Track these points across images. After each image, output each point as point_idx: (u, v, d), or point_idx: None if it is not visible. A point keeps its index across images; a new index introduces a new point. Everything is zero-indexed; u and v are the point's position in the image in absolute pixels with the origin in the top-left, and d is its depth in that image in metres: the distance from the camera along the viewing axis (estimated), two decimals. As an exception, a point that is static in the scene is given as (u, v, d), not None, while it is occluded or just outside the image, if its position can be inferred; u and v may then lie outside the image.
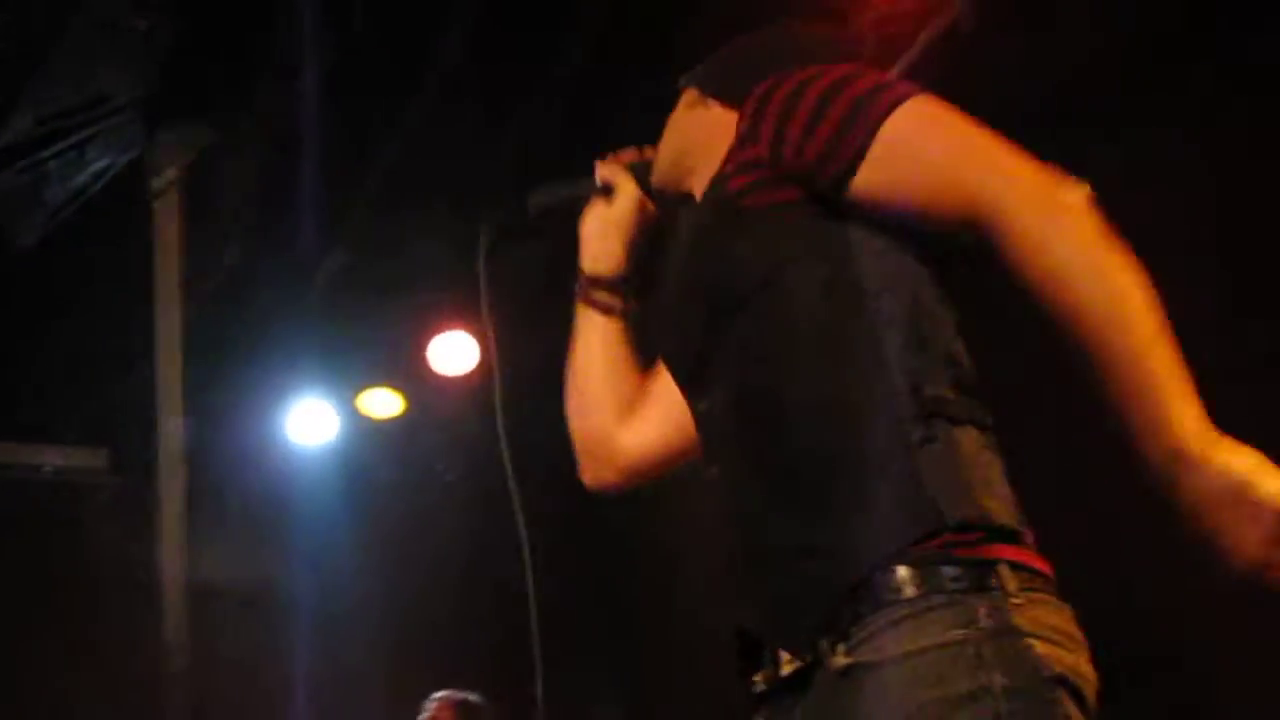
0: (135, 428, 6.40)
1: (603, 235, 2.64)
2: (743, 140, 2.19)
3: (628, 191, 2.62)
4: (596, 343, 2.62)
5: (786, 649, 2.04)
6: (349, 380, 6.72)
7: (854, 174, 2.04)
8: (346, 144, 5.57)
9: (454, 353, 6.59)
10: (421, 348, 6.58)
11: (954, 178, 2.00)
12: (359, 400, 6.73)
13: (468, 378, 6.62)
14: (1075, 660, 1.94)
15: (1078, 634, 1.97)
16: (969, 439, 2.03)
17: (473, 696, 5.73)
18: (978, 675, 1.86)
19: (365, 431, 6.81)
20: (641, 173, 2.63)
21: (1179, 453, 1.82)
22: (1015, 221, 1.93)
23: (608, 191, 2.65)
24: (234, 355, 6.51)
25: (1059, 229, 1.93)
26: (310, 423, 6.72)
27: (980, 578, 1.92)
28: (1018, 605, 1.92)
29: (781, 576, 2.05)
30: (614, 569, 6.98)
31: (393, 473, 7.05)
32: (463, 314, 6.57)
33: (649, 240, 2.65)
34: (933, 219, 2.04)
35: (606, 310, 2.61)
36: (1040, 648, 1.89)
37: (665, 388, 2.51)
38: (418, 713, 5.75)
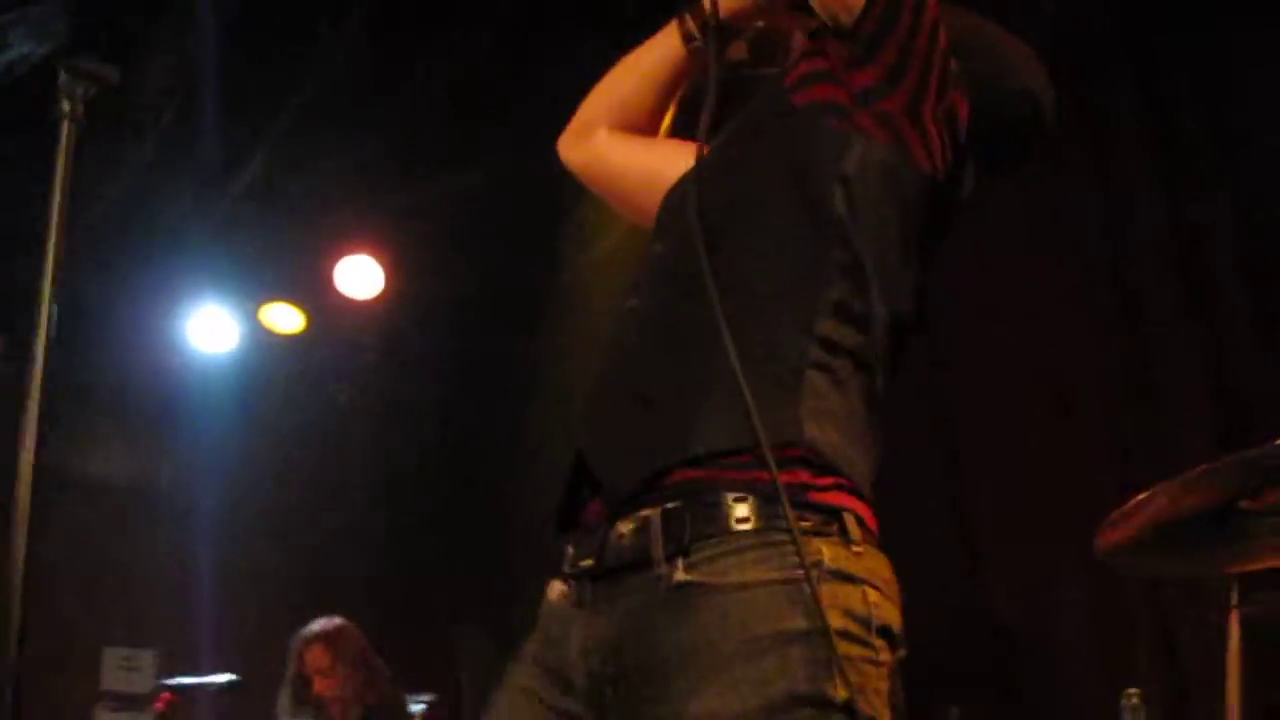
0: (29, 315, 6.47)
1: None
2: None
3: None
4: (657, 55, 2.66)
5: (614, 483, 2.09)
6: (253, 292, 6.80)
7: None
8: (267, 56, 5.64)
9: (359, 276, 6.69)
10: (328, 268, 6.66)
11: None
12: (261, 312, 6.80)
13: (370, 302, 6.74)
14: (895, 612, 2.06)
15: (897, 586, 2.08)
16: (863, 389, 2.14)
17: (334, 621, 5.83)
18: (814, 615, 1.93)
19: (265, 344, 6.89)
20: None
21: None
22: None
23: None
24: (142, 257, 6.58)
25: None
26: (211, 330, 6.79)
27: (826, 522, 2.01)
28: (858, 553, 2.02)
29: (642, 419, 2.13)
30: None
31: (288, 386, 7.11)
32: (371, 238, 6.69)
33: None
34: None
35: (688, 38, 2.60)
36: (873, 596, 2.01)
37: (662, 154, 2.62)
38: (287, 636, 5.90)
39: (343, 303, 6.70)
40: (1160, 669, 4.76)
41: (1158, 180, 5.37)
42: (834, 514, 2.03)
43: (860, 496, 2.08)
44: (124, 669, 7.11)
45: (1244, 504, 2.95)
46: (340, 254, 6.65)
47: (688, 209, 2.21)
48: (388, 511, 7.34)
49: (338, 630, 5.78)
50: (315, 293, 6.73)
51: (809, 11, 2.33)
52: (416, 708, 5.80)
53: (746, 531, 1.99)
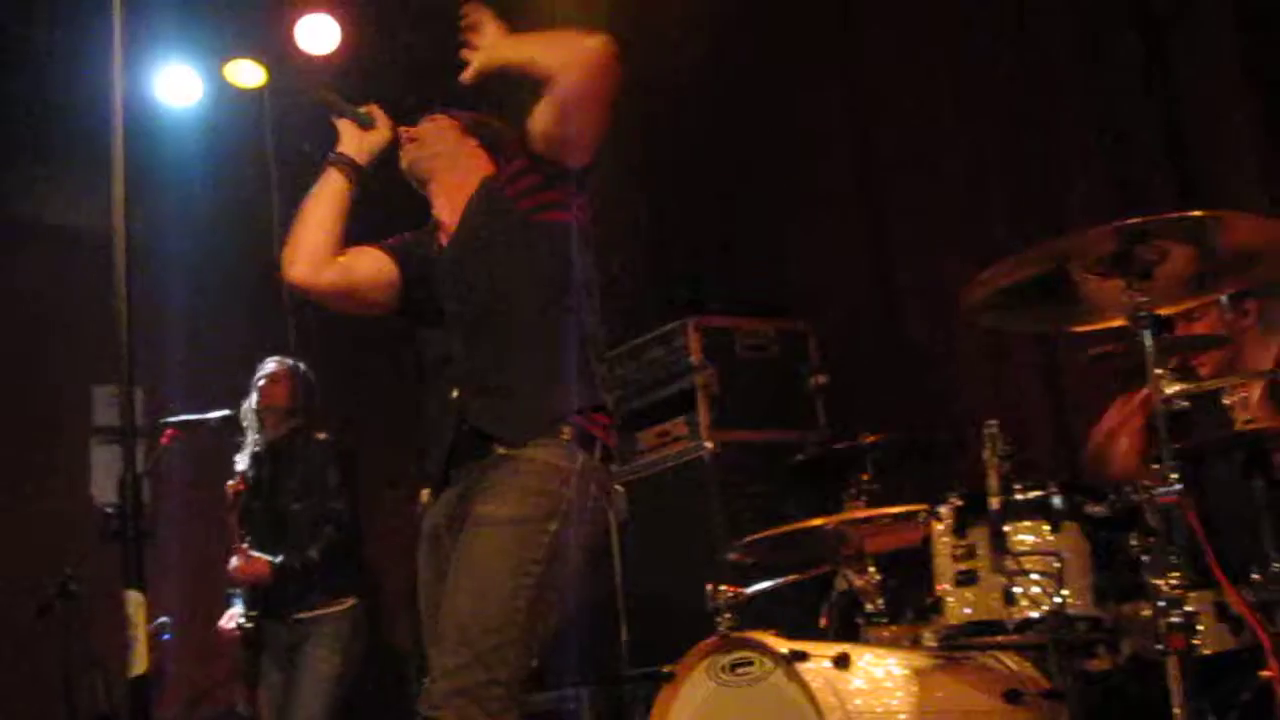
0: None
1: (359, 141, 4.06)
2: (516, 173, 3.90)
3: (385, 131, 4.09)
4: (332, 196, 4.01)
5: (504, 438, 3.66)
6: (216, 48, 6.77)
7: None
8: None
9: (317, 32, 6.75)
10: (289, 24, 6.69)
11: None
12: (225, 69, 6.83)
13: (329, 57, 6.82)
14: (607, 510, 3.71)
15: (611, 487, 3.74)
16: (595, 363, 3.80)
17: (301, 364, 6.79)
18: (561, 488, 3.56)
19: (229, 99, 6.97)
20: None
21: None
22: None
23: (369, 124, 4.07)
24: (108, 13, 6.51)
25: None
26: (177, 85, 6.86)
27: (589, 442, 3.66)
28: (597, 466, 3.65)
29: (506, 403, 3.70)
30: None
31: (251, 140, 7.21)
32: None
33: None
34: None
35: (349, 178, 4.02)
36: (593, 489, 3.62)
37: (361, 264, 4.02)
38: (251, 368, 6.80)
39: (302, 58, 6.78)
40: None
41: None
42: (594, 439, 3.68)
43: (607, 427, 3.74)
44: (114, 405, 7.70)
45: (1077, 275, 3.70)
46: (300, 10, 6.64)
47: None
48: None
49: (304, 373, 6.78)
50: (275, 49, 6.75)
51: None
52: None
53: (552, 436, 3.62)
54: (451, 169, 4.09)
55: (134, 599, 2.44)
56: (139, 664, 2.41)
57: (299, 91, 3.77)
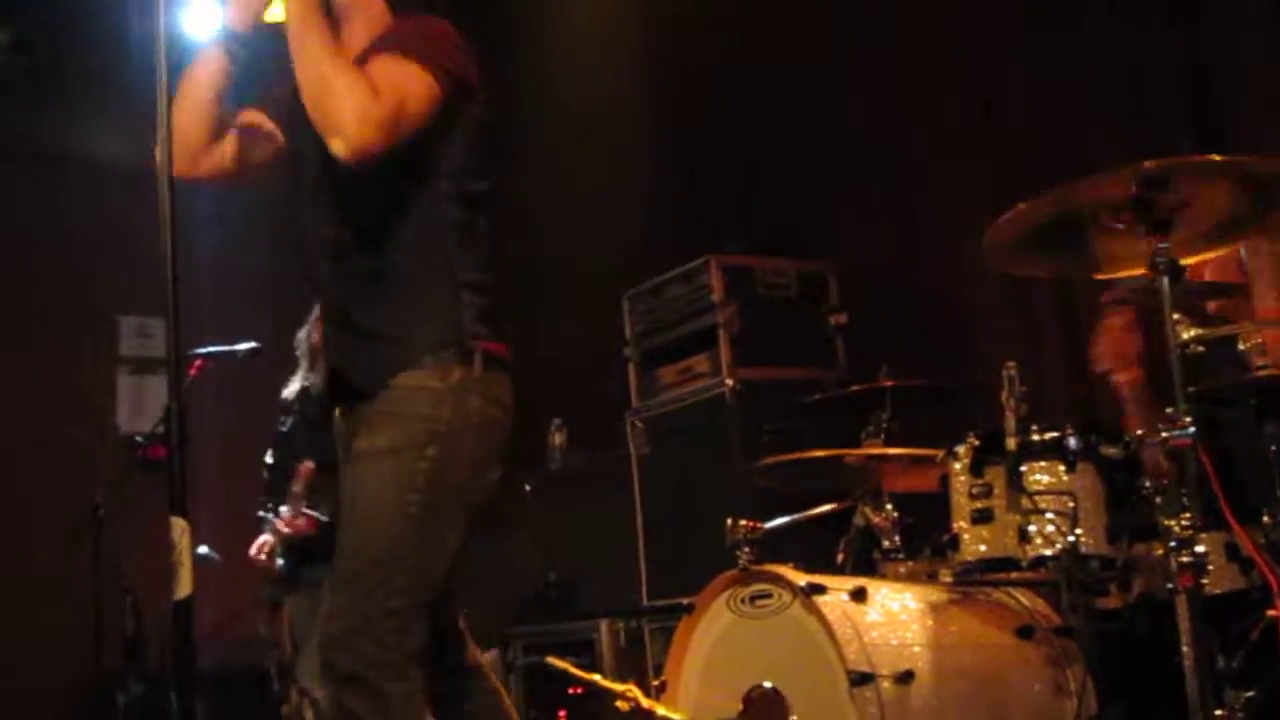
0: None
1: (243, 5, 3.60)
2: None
3: None
4: (201, 77, 3.62)
5: (361, 387, 3.46)
6: None
7: None
8: None
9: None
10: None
11: None
12: None
13: None
14: (500, 415, 3.47)
15: (509, 401, 3.51)
16: (484, 285, 3.46)
17: None
18: (436, 408, 3.35)
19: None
20: None
21: None
22: None
23: None
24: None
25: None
26: (201, 18, 6.83)
27: (466, 356, 3.38)
28: (479, 378, 3.40)
29: (367, 346, 3.46)
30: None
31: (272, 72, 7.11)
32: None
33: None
34: None
35: (225, 50, 3.63)
36: (474, 402, 3.39)
37: (253, 147, 3.68)
38: (284, 312, 6.83)
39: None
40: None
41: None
42: (471, 352, 3.41)
43: (493, 338, 3.45)
44: (140, 336, 7.89)
45: (1095, 222, 3.59)
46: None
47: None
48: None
49: None
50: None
51: None
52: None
53: (422, 364, 3.38)
54: (341, 27, 3.61)
55: (178, 525, 2.51)
56: (183, 588, 2.48)
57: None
